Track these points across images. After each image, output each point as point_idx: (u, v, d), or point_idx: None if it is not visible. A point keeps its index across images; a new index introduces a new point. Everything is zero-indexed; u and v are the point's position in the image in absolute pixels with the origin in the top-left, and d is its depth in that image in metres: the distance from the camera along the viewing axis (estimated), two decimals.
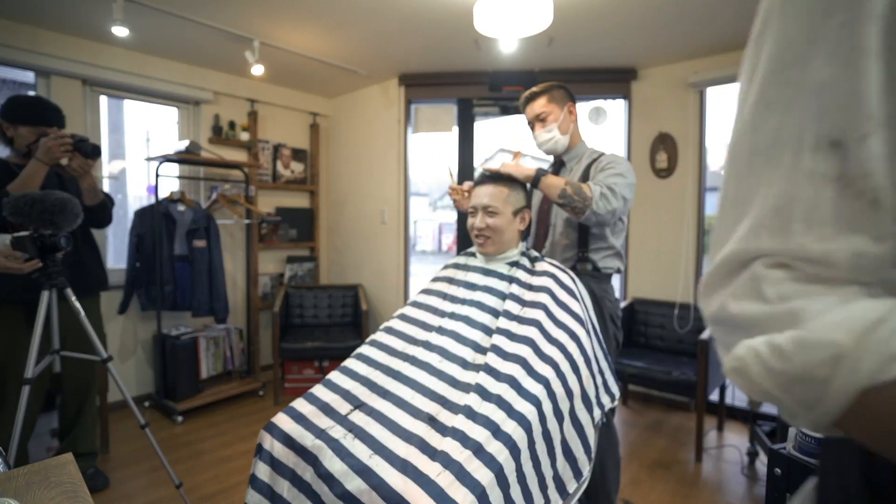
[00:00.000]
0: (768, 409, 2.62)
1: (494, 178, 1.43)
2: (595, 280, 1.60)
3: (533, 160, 1.80)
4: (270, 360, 3.56)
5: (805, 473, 1.09)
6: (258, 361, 3.53)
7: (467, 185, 1.61)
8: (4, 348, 1.82)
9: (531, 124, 1.70)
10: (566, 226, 1.65)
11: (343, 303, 3.69)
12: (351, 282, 3.94)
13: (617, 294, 1.71)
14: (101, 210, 1.96)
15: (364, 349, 1.34)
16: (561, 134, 1.65)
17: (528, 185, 1.50)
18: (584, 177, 1.59)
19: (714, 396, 2.72)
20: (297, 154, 3.93)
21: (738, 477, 2.28)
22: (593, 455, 1.19)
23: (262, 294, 3.66)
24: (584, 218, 1.44)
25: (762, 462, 2.35)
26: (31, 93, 2.69)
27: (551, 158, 1.81)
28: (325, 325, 3.58)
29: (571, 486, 1.10)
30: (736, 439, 2.66)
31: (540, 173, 1.46)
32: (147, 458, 2.38)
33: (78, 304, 1.69)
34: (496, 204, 1.39)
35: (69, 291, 1.65)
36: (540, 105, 1.64)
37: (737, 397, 2.83)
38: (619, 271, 1.64)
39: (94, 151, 1.78)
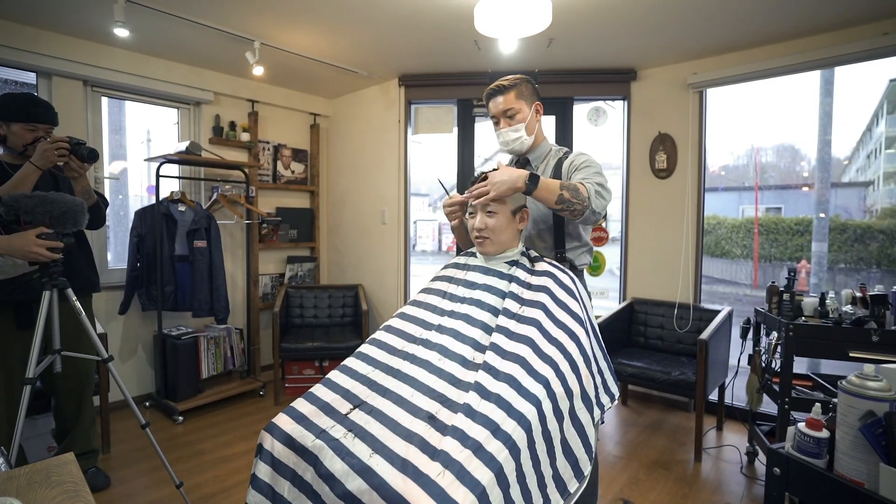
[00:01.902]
0: (767, 409, 2.62)
1: None
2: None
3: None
4: (271, 360, 3.57)
5: (804, 473, 1.09)
6: (258, 361, 3.53)
7: (459, 197, 1.53)
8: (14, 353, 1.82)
9: (496, 120, 1.58)
10: (542, 229, 1.58)
11: (343, 303, 3.69)
12: (351, 282, 3.95)
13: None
14: (96, 211, 1.95)
15: (364, 348, 1.34)
16: (528, 135, 1.56)
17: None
18: (556, 176, 1.53)
19: (713, 396, 2.73)
20: (298, 154, 3.94)
21: (737, 476, 2.29)
22: (594, 454, 1.19)
23: (262, 294, 3.67)
24: (583, 218, 1.38)
25: (761, 461, 2.35)
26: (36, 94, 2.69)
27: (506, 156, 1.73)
28: (325, 325, 3.58)
29: (573, 485, 1.10)
30: (735, 439, 2.67)
31: (531, 188, 1.35)
32: (147, 457, 2.39)
33: (79, 305, 1.69)
34: (494, 203, 1.39)
35: (70, 292, 1.66)
36: (508, 100, 1.53)
37: (736, 397, 2.84)
38: (589, 265, 1.65)
39: (91, 155, 1.76)
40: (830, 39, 2.52)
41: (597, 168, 1.48)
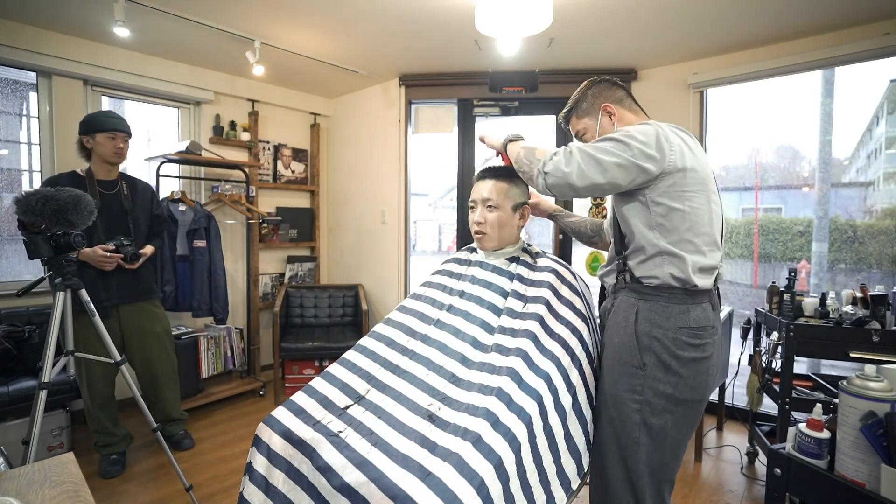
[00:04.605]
0: (768, 409, 2.62)
1: (495, 172, 1.43)
2: (636, 295, 1.18)
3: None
4: (271, 360, 3.57)
5: (805, 474, 1.09)
6: (258, 361, 3.53)
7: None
8: (85, 344, 1.97)
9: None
10: (612, 225, 1.32)
11: (343, 303, 3.69)
12: (351, 282, 3.94)
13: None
14: (161, 235, 2.54)
15: (364, 341, 1.34)
16: None
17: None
18: None
19: (713, 396, 2.72)
20: (298, 154, 3.93)
21: (737, 477, 2.29)
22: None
23: (262, 294, 3.67)
24: (537, 186, 1.17)
25: (761, 462, 2.35)
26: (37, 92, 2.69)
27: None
28: (325, 325, 3.58)
29: (576, 482, 1.10)
30: (735, 439, 2.66)
31: (506, 141, 1.29)
32: (151, 455, 2.40)
33: (92, 306, 1.71)
34: (495, 198, 1.39)
35: (83, 292, 1.67)
36: (574, 125, 1.39)
37: (736, 397, 2.83)
38: (681, 283, 1.11)
39: (133, 258, 2.16)
40: (831, 40, 2.51)
41: (611, 136, 1.13)
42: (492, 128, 1.40)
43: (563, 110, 1.41)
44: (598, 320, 1.41)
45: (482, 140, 1.41)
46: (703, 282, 1.12)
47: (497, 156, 1.46)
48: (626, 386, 1.15)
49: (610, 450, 1.17)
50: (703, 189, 1.13)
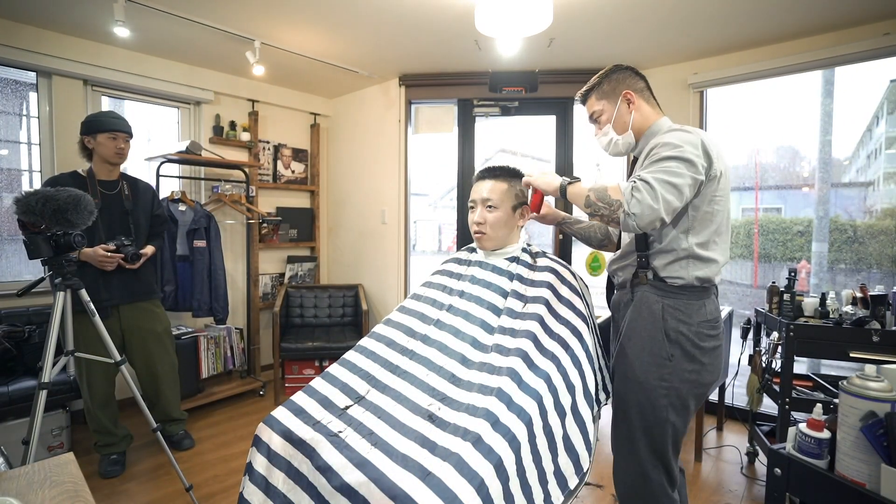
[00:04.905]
0: (768, 409, 2.62)
1: (495, 172, 1.43)
2: (659, 293, 1.24)
3: (534, 161, 1.65)
4: (271, 360, 3.57)
5: (805, 474, 1.09)
6: (258, 361, 3.53)
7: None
8: (85, 344, 1.98)
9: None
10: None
11: (343, 303, 3.69)
12: (351, 282, 3.94)
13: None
14: (162, 235, 2.53)
15: (364, 341, 1.34)
16: (618, 133, 1.33)
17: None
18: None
19: (713, 396, 2.72)
20: (298, 154, 3.94)
21: (737, 477, 2.29)
22: (594, 450, 1.20)
23: (262, 294, 3.67)
24: (624, 227, 1.11)
25: (761, 462, 2.35)
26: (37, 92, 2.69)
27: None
28: (325, 325, 3.58)
29: (573, 482, 1.10)
30: (735, 439, 2.66)
31: (565, 183, 1.25)
32: (151, 456, 2.39)
33: (92, 306, 1.71)
34: (494, 198, 1.39)
35: (83, 293, 1.67)
36: (590, 105, 1.38)
37: (736, 397, 2.83)
38: (702, 282, 1.21)
39: (134, 258, 2.16)
40: (831, 40, 2.51)
41: (664, 153, 1.13)
42: (538, 170, 1.38)
43: (583, 88, 1.40)
44: (598, 318, 1.42)
45: (529, 185, 1.35)
46: (718, 278, 1.26)
47: (532, 193, 1.40)
48: (655, 375, 1.23)
49: (636, 426, 1.27)
50: (728, 191, 1.22)
